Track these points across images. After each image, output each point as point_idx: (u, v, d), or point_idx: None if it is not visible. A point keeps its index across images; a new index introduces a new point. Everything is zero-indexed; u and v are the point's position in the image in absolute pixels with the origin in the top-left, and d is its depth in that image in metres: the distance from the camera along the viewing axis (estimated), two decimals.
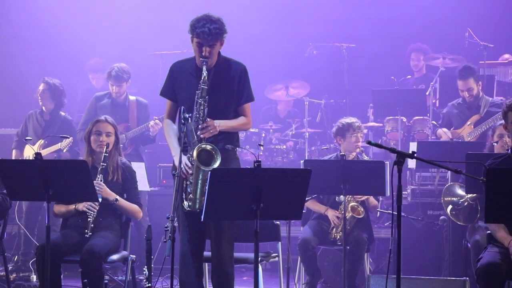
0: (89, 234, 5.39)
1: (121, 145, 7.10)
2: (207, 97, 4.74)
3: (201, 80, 4.73)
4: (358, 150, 6.40)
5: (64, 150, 7.41)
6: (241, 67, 4.94)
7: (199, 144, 4.67)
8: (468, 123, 7.59)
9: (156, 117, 7.47)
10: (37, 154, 4.83)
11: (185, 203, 4.74)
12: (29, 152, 7.49)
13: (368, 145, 6.90)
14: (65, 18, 10.35)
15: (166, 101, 5.07)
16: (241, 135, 8.80)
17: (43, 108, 7.67)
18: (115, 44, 10.06)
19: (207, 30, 4.72)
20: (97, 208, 5.44)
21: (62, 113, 7.71)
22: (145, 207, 7.43)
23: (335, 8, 10.20)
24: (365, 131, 6.72)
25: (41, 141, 7.45)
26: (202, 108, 4.73)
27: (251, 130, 8.94)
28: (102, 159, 5.55)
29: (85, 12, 10.43)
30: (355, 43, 9.58)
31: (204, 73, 4.73)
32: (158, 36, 9.92)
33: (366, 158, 6.53)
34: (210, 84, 4.81)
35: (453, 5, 10.00)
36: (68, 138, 7.27)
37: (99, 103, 7.73)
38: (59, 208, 5.56)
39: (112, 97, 7.67)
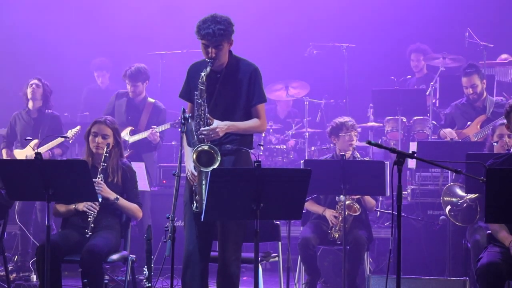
0: (89, 234, 5.39)
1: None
2: (205, 96, 4.73)
3: (199, 81, 4.71)
4: (351, 148, 6.39)
5: (70, 141, 7.40)
6: (252, 67, 4.88)
7: (196, 147, 4.66)
8: (469, 123, 7.59)
9: (154, 126, 7.46)
10: (37, 154, 4.83)
11: (194, 204, 4.73)
12: (22, 154, 7.47)
13: (368, 145, 6.90)
14: (66, 18, 10.36)
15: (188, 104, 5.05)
16: None
17: (29, 106, 7.62)
18: (115, 44, 10.07)
19: (211, 32, 4.68)
20: (97, 208, 5.44)
21: (48, 110, 7.66)
22: (148, 208, 7.44)
23: (335, 8, 10.20)
24: (359, 129, 6.69)
25: (35, 141, 7.42)
26: (202, 108, 4.71)
27: None
28: (103, 159, 5.55)
29: (85, 12, 10.43)
30: (355, 43, 9.58)
31: (202, 73, 4.70)
32: (158, 36, 9.93)
33: (359, 156, 6.52)
34: (220, 85, 4.79)
35: (453, 5, 10.00)
36: (74, 130, 7.30)
37: (118, 101, 7.77)
38: (59, 208, 5.57)
39: (130, 97, 7.68)
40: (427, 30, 9.95)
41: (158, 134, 7.45)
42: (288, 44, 10.20)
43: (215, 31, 4.69)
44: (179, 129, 4.71)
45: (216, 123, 4.73)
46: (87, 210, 5.43)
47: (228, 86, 4.84)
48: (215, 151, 4.64)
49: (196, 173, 4.69)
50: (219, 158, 4.62)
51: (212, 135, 4.68)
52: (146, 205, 7.45)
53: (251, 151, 4.92)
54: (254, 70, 4.88)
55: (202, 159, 4.65)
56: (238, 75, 4.86)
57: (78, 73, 10.07)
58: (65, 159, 7.33)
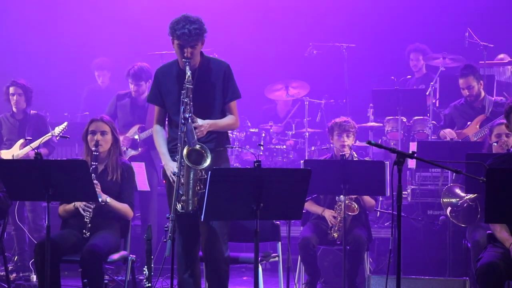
0: (87, 234, 5.37)
1: (125, 148, 7.12)
2: (191, 96, 4.72)
3: (186, 80, 4.71)
4: (346, 149, 6.33)
5: (57, 138, 7.39)
6: (224, 65, 4.95)
7: (187, 145, 4.66)
8: (468, 123, 7.59)
9: None
10: (37, 154, 4.83)
11: (178, 205, 4.70)
12: (8, 154, 7.46)
13: (368, 145, 6.89)
14: (67, 18, 10.36)
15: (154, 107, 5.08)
16: (241, 135, 8.82)
17: (14, 109, 7.59)
18: (115, 44, 10.07)
19: (187, 32, 4.72)
20: (91, 208, 5.42)
21: (33, 111, 7.65)
22: (155, 207, 7.44)
23: (335, 8, 10.20)
24: (353, 130, 6.51)
25: (21, 141, 7.44)
26: (188, 107, 4.71)
27: (251, 130, 8.95)
28: (93, 158, 5.54)
29: (85, 11, 10.43)
30: (355, 43, 9.59)
31: (188, 72, 4.72)
32: (158, 36, 9.91)
33: (356, 156, 6.50)
34: (194, 85, 4.79)
35: (453, 5, 10.00)
36: (61, 126, 7.29)
37: (120, 102, 7.74)
38: (60, 210, 5.57)
39: (132, 96, 7.67)
40: (427, 30, 9.95)
41: None
42: (288, 44, 10.20)
43: (191, 30, 4.73)
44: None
45: (200, 122, 4.77)
46: (82, 212, 5.41)
47: (203, 86, 4.86)
48: (206, 150, 4.65)
49: (174, 177, 4.67)
50: (209, 157, 4.64)
51: (198, 133, 4.70)
52: (152, 206, 7.45)
53: (246, 149, 4.94)
54: (227, 67, 4.94)
55: (191, 157, 4.65)
56: (212, 75, 4.90)
57: (78, 73, 10.06)
58: (65, 159, 7.33)
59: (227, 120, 4.94)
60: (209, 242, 4.82)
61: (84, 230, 5.39)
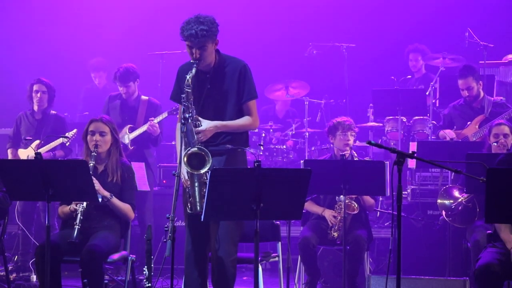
0: (74, 238, 5.27)
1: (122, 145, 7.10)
2: (192, 99, 4.69)
3: (185, 83, 4.65)
4: (347, 149, 6.35)
5: (67, 143, 7.40)
6: (241, 64, 4.85)
7: (186, 150, 4.63)
8: (468, 123, 7.59)
9: (152, 118, 7.45)
10: (37, 154, 4.83)
11: (188, 206, 4.72)
12: (24, 154, 7.47)
13: (368, 145, 6.89)
14: (65, 18, 10.36)
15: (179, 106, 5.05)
16: None
17: (34, 108, 7.60)
18: (116, 44, 10.07)
19: (194, 33, 4.65)
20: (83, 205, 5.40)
21: (53, 111, 7.66)
22: (151, 208, 7.44)
23: (335, 8, 10.20)
24: (356, 129, 6.59)
25: (37, 142, 7.42)
26: (190, 111, 4.66)
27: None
28: (91, 158, 5.53)
29: (85, 11, 10.43)
30: (355, 43, 9.59)
31: (188, 76, 4.66)
32: (158, 36, 9.92)
33: (356, 156, 6.51)
34: (209, 85, 4.78)
35: (453, 5, 10.01)
36: (70, 133, 7.28)
37: (111, 104, 7.75)
38: (60, 211, 5.57)
39: (123, 98, 7.67)
40: (427, 30, 9.95)
41: (157, 125, 7.44)
42: (288, 44, 10.20)
43: (198, 32, 4.65)
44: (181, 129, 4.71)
45: (205, 124, 4.72)
46: (75, 206, 5.39)
47: (218, 85, 4.81)
48: (206, 153, 4.62)
49: (187, 176, 4.67)
50: (210, 160, 4.61)
51: (201, 137, 4.68)
52: (149, 205, 7.44)
53: (246, 149, 4.91)
54: (243, 66, 4.84)
55: (193, 161, 4.63)
56: (227, 74, 4.83)
57: (77, 73, 10.06)
58: (64, 159, 7.33)
59: (241, 121, 4.84)
60: (217, 243, 4.79)
61: (72, 238, 5.28)
